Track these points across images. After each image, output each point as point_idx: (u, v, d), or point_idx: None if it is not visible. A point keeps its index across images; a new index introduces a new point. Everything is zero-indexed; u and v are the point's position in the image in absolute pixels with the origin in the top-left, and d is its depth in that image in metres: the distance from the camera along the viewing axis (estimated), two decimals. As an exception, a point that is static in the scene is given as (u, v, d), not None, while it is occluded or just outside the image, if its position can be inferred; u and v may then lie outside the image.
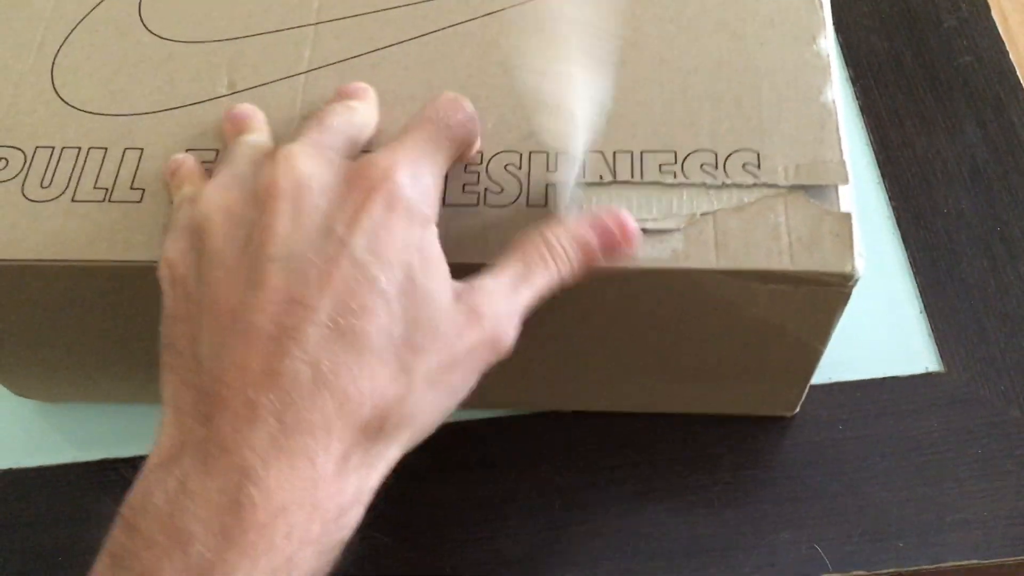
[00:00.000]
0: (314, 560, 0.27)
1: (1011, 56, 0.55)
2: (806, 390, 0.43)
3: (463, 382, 0.31)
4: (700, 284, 0.35)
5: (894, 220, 0.50)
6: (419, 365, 0.29)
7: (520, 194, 0.36)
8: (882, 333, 0.47)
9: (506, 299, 0.31)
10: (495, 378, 0.42)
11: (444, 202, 0.34)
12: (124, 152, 0.38)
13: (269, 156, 0.31)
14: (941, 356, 0.46)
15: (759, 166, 0.36)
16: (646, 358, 0.41)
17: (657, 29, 0.40)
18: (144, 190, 0.37)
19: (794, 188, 0.36)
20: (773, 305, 0.36)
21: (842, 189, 0.36)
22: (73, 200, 0.37)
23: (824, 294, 0.35)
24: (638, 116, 0.38)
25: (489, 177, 0.36)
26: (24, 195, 0.37)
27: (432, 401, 0.30)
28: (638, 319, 0.38)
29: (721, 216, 0.35)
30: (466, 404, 0.32)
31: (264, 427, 0.27)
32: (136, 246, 0.36)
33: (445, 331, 0.29)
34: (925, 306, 0.47)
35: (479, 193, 0.36)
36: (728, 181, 0.36)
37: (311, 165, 0.30)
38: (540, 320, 0.38)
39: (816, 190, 0.36)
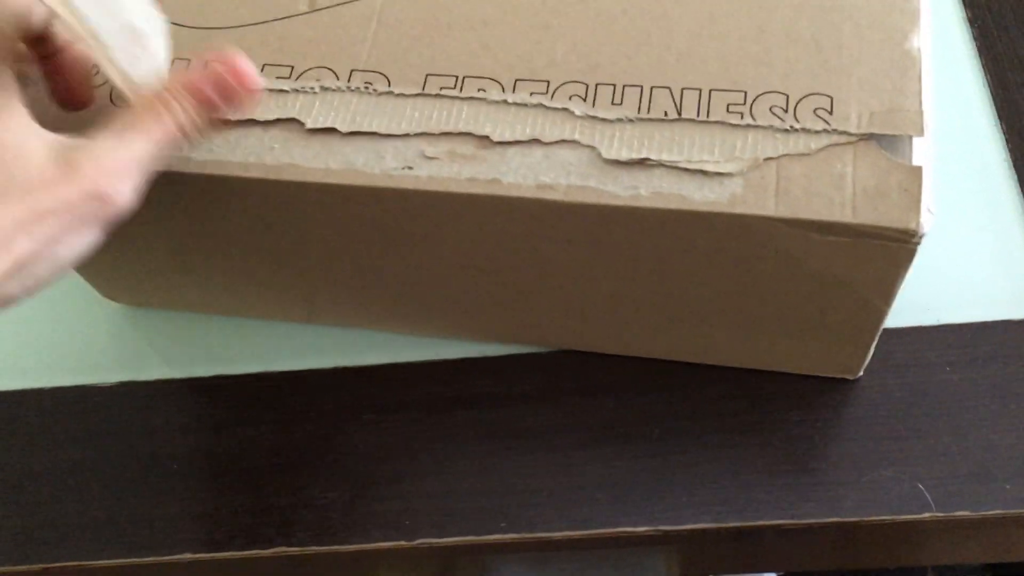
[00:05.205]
0: None
1: None
2: (870, 352, 0.42)
3: (66, 234, 0.31)
4: (757, 231, 0.34)
5: (1010, 163, 0.49)
6: None
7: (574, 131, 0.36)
8: (994, 276, 0.46)
9: (112, 153, 0.31)
10: (552, 318, 0.43)
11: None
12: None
13: None
14: (1055, 301, 0.45)
15: (831, 111, 0.35)
16: (703, 305, 0.40)
17: None
18: None
19: (866, 137, 0.34)
20: (833, 258, 0.35)
21: (918, 141, 0.34)
22: None
23: (887, 249, 0.34)
24: (711, 52, 0.37)
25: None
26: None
27: (27, 248, 0.30)
28: (694, 263, 0.37)
29: (785, 162, 0.34)
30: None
31: None
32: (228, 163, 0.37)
33: (24, 182, 0.30)
34: (1040, 250, 0.46)
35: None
36: (797, 126, 0.35)
37: None
38: (592, 261, 0.38)
39: (890, 141, 0.34)
